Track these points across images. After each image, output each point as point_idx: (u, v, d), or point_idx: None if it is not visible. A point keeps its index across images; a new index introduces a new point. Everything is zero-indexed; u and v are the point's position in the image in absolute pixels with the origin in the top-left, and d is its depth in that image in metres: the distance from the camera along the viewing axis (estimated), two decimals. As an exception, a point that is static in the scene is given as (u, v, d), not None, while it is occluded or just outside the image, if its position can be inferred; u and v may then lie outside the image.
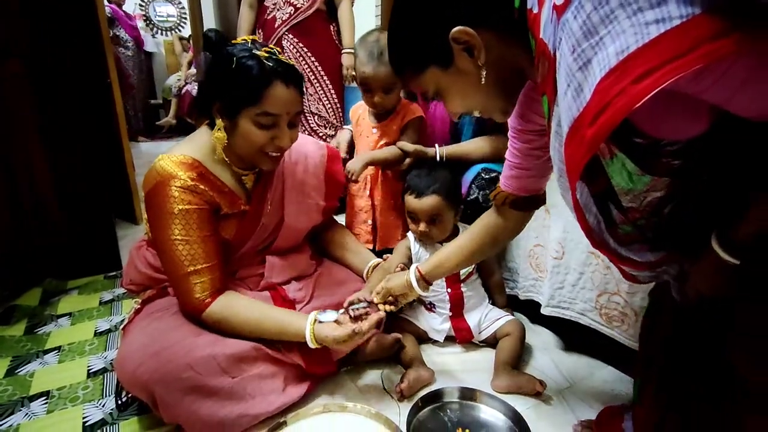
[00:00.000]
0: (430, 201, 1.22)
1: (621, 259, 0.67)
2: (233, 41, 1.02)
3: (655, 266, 0.69)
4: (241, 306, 1.01)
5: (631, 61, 0.42)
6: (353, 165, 1.35)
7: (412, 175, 1.30)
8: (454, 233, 1.30)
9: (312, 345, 1.00)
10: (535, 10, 0.53)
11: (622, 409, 0.97)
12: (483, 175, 1.37)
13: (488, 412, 1.04)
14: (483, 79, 0.64)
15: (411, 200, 1.25)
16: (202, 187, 1.00)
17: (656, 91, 0.40)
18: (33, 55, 1.57)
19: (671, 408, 0.72)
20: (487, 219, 0.99)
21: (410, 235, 1.35)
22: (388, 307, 1.06)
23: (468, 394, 1.08)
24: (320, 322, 1.01)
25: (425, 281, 1.04)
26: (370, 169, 1.47)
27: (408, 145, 1.36)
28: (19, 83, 1.54)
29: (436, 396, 1.07)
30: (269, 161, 1.06)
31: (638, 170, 0.59)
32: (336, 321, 1.02)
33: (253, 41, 1.01)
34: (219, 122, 1.00)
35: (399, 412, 1.03)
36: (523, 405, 1.06)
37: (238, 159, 1.07)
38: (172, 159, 1.00)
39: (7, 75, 1.51)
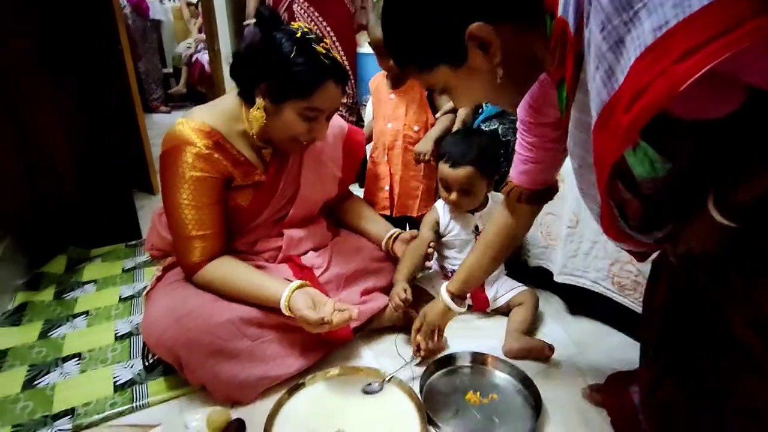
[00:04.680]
0: (464, 171, 1.20)
1: (636, 243, 0.66)
2: (286, 25, 1.01)
3: (662, 241, 0.68)
4: (228, 271, 1.03)
5: (670, 37, 0.37)
6: (423, 146, 1.40)
7: (449, 141, 1.28)
8: (484, 204, 1.31)
9: (285, 312, 0.98)
10: None
11: (630, 375, 0.99)
12: (482, 127, 1.37)
13: (499, 376, 1.08)
14: (499, 79, 0.59)
15: (445, 169, 1.23)
16: (216, 156, 1.02)
17: (703, 72, 0.36)
18: (43, 26, 1.56)
19: (669, 368, 0.74)
20: (500, 220, 0.97)
21: (438, 206, 1.35)
22: (427, 347, 1.08)
23: (479, 359, 1.11)
24: (300, 288, 0.99)
25: (460, 298, 1.04)
26: (388, 137, 1.49)
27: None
28: (29, 58, 1.55)
29: (449, 360, 1.11)
30: (298, 148, 1.09)
31: (661, 158, 0.56)
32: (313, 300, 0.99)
33: (310, 30, 1.00)
34: (260, 102, 1.00)
35: (412, 376, 1.07)
36: (533, 370, 1.09)
37: (264, 136, 1.07)
38: (191, 124, 1.01)
39: (16, 50, 1.51)
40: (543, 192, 0.91)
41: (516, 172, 0.89)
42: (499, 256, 1.02)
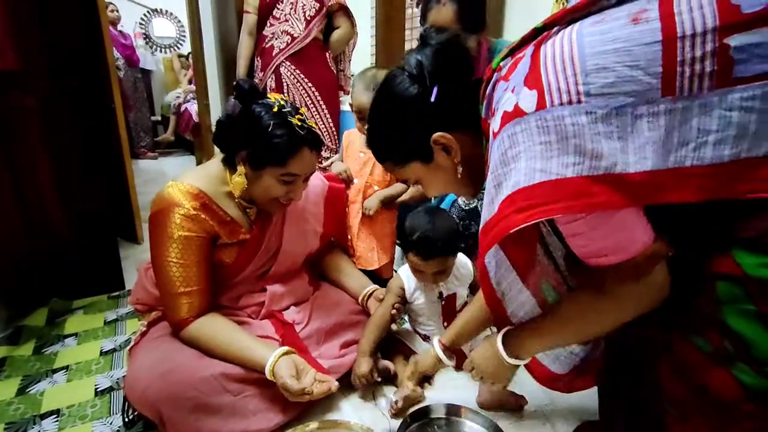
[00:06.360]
0: (434, 262, 1.22)
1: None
2: (265, 97, 1.09)
3: None
4: (214, 330, 1.07)
5: (519, 194, 0.56)
6: (370, 203, 1.54)
7: (415, 230, 1.20)
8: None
9: (270, 377, 1.02)
10: (489, 120, 0.66)
11: (596, 425, 1.04)
12: (461, 205, 1.45)
13: (472, 427, 1.12)
14: (459, 174, 0.75)
15: (417, 260, 1.23)
16: (203, 216, 1.08)
17: (524, 225, 0.56)
18: (46, 84, 1.65)
19: (619, 417, 0.81)
20: None
21: (402, 273, 1.37)
22: (420, 391, 1.16)
23: (454, 410, 1.15)
24: (286, 355, 1.03)
25: (450, 351, 1.10)
26: (352, 192, 1.60)
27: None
28: (31, 112, 1.62)
29: (424, 412, 1.14)
30: (279, 207, 1.17)
31: None
32: (296, 368, 1.02)
33: (286, 103, 1.10)
34: (241, 169, 1.09)
35: (389, 428, 1.10)
36: (505, 420, 1.14)
37: (247, 198, 1.15)
38: (180, 187, 1.09)
39: (19, 105, 1.59)
40: None
41: None
42: (488, 320, 1.07)
